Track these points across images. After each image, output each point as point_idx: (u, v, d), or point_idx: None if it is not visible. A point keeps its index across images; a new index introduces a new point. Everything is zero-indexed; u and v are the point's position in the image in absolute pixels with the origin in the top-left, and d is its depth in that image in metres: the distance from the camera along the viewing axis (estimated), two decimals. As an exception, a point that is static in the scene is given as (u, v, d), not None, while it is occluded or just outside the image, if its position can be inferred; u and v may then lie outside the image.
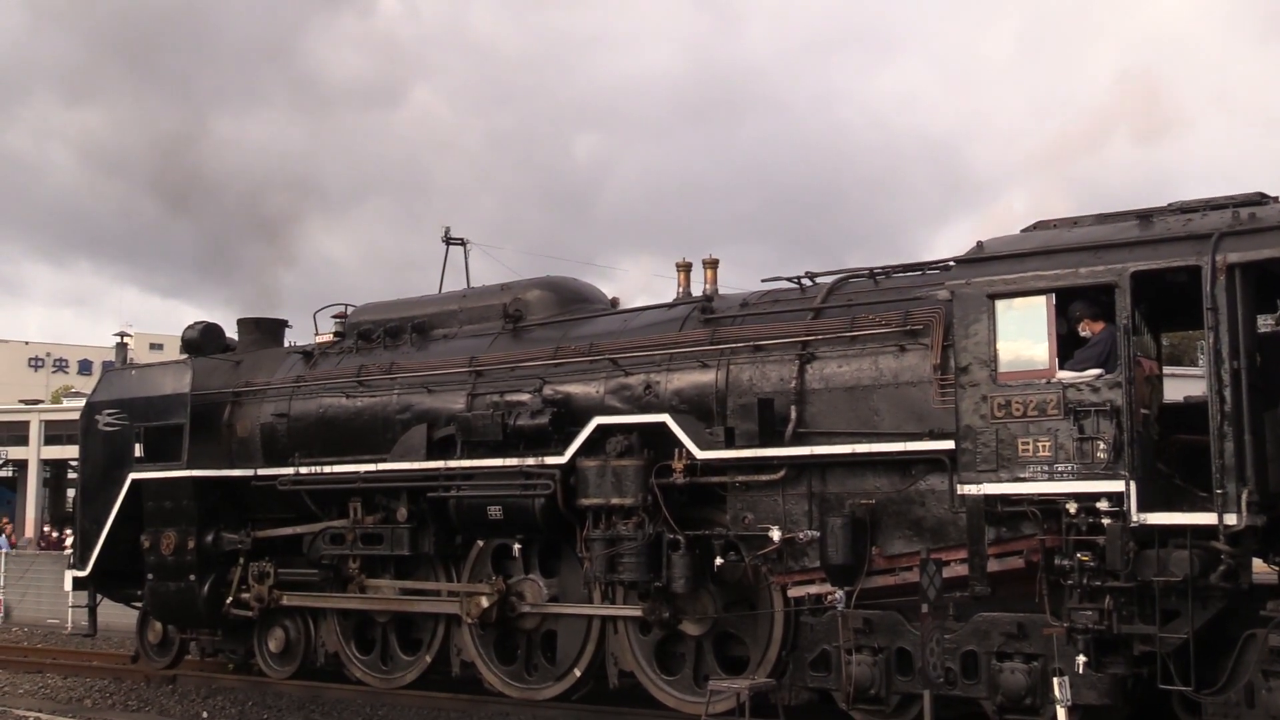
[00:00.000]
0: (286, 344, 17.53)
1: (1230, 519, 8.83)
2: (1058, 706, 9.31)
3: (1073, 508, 9.39)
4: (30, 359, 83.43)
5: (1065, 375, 9.63)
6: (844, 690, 10.67)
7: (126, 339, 21.44)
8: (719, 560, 11.51)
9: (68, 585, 17.54)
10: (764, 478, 11.30)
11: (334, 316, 16.28)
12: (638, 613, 12.26)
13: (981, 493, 9.81)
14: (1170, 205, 10.06)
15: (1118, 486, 9.19)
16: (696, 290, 13.57)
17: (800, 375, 11.50)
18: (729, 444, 11.51)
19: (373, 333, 15.41)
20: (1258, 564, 9.76)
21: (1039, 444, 9.58)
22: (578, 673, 12.93)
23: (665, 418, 11.86)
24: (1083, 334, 9.90)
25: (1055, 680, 9.41)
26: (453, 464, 13.37)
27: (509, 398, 13.36)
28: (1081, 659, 9.35)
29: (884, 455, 10.72)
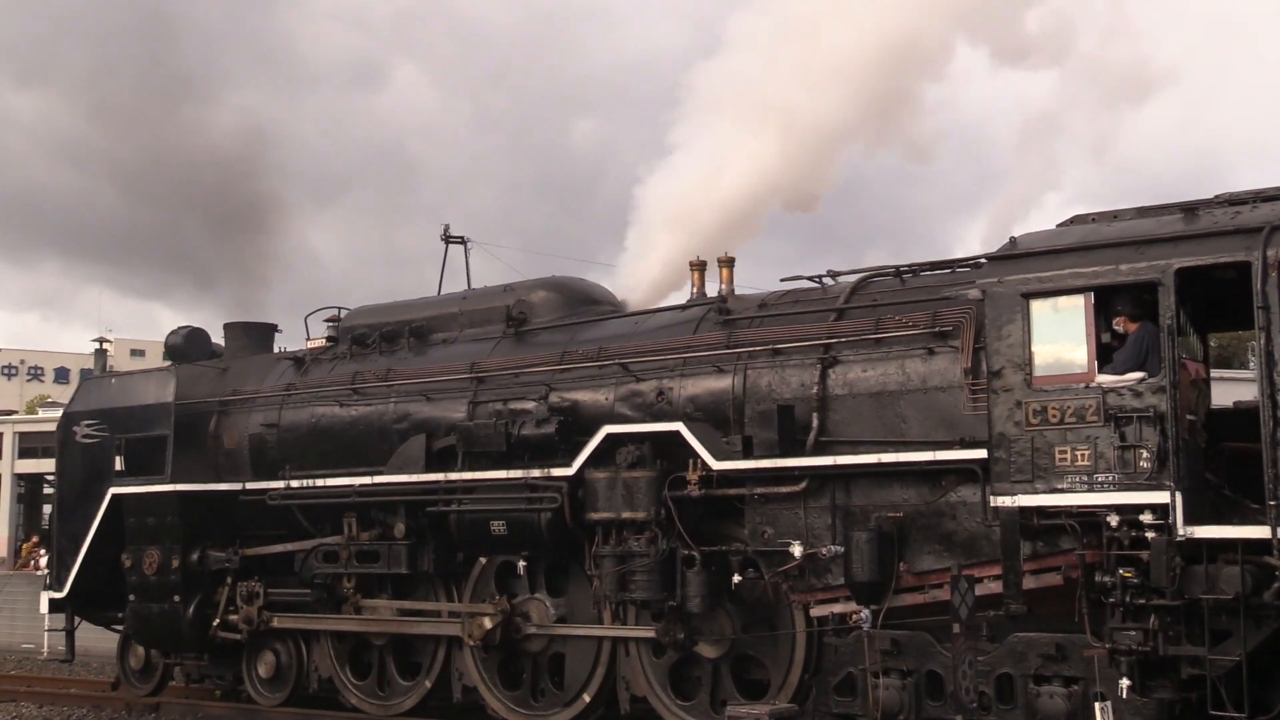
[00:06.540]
0: (276, 349, 17.60)
1: (1284, 532, 8.81)
2: (1099, 733, 9.32)
3: (1114, 520, 9.36)
4: (3, 366, 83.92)
5: (1105, 379, 9.62)
6: (870, 715, 10.66)
7: (106, 345, 21.58)
8: (737, 578, 11.51)
9: (44, 607, 17.58)
10: (784, 490, 11.30)
11: (326, 320, 16.32)
12: (651, 634, 12.26)
13: (1016, 505, 9.80)
14: (1217, 197, 10.02)
15: (1162, 498, 9.17)
16: (712, 290, 13.60)
17: (822, 380, 11.51)
18: (747, 454, 11.51)
19: (368, 337, 15.45)
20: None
21: (1077, 452, 9.57)
22: (587, 698, 12.93)
23: (679, 426, 11.87)
24: (1117, 329, 9.89)
25: (1097, 705, 9.42)
26: (453, 476, 13.39)
27: (513, 405, 13.38)
28: (1125, 683, 9.31)
29: (912, 465, 10.71)
